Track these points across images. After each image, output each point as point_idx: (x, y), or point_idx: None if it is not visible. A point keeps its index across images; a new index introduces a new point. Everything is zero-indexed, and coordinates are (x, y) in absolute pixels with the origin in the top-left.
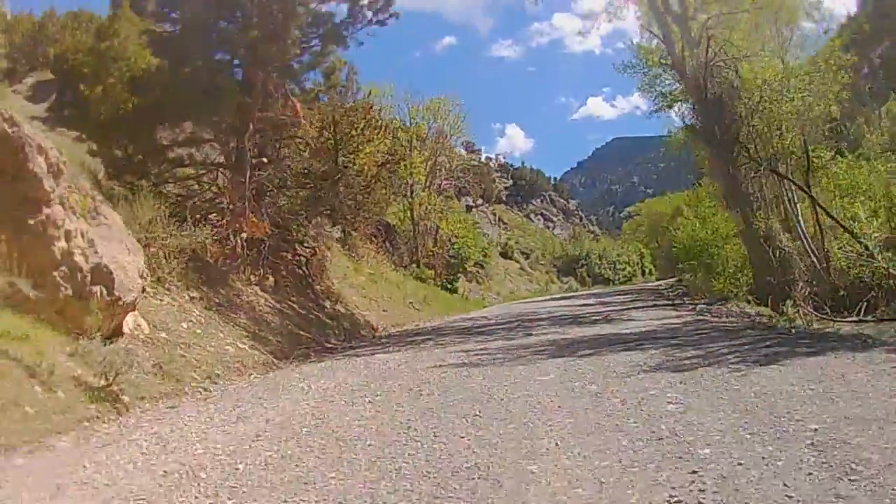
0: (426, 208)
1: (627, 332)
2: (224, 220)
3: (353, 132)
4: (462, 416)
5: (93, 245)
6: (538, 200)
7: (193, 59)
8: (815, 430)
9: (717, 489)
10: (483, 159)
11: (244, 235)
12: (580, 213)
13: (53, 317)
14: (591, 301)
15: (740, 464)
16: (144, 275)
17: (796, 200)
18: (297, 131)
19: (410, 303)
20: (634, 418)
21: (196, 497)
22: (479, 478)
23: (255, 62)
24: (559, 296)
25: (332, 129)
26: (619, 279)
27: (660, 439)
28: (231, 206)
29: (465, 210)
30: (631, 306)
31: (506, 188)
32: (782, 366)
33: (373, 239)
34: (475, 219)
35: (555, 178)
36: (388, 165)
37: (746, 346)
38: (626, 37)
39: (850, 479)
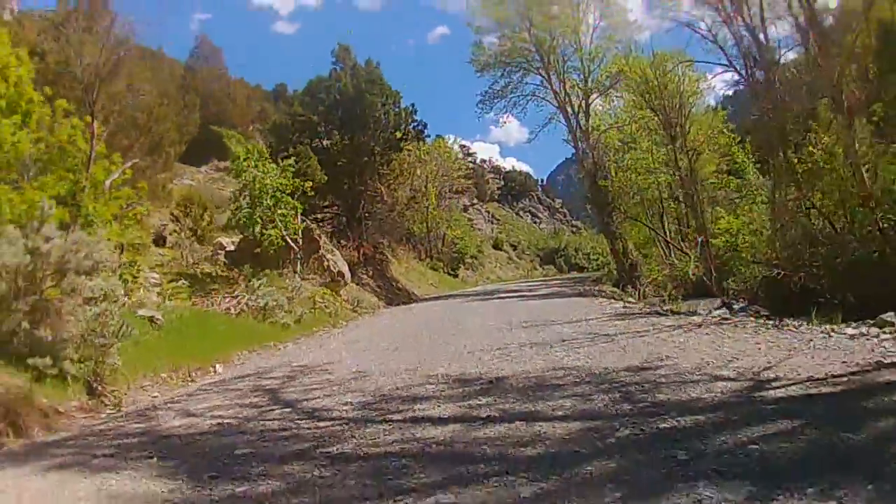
0: (436, 221)
1: (530, 294)
2: (352, 245)
3: (391, 176)
4: (461, 308)
5: (336, 262)
6: (527, 199)
7: (336, 175)
8: (527, 314)
9: (507, 318)
10: (478, 161)
11: (362, 251)
12: (564, 210)
13: (326, 288)
14: (539, 283)
15: (518, 311)
16: (348, 272)
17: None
18: (379, 199)
19: (431, 283)
20: (501, 309)
21: (387, 329)
22: (452, 324)
23: (363, 170)
24: (533, 280)
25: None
26: (591, 267)
27: (501, 310)
28: (353, 238)
29: (462, 209)
30: (555, 287)
31: (498, 188)
32: (559, 298)
33: (403, 244)
34: (471, 216)
35: (542, 180)
36: (414, 199)
37: (558, 296)
38: None
39: (517, 320)
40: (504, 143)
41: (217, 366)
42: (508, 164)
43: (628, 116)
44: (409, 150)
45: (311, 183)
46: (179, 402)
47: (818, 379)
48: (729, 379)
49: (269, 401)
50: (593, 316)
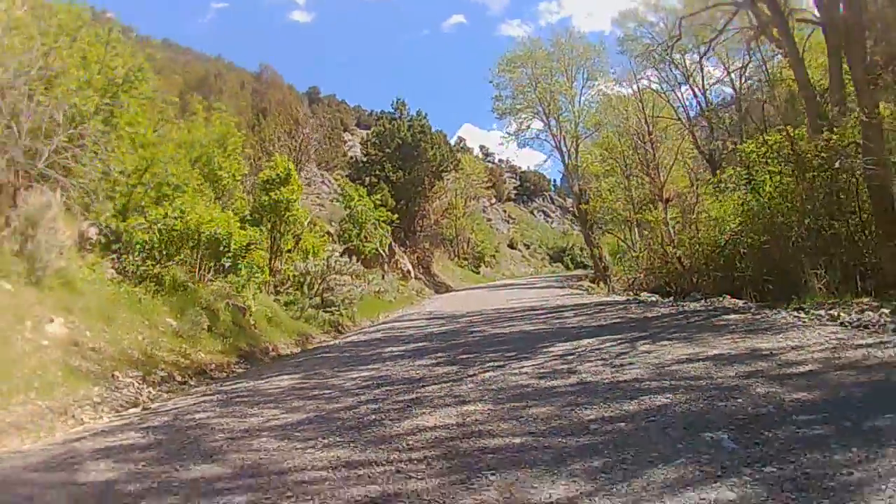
0: (463, 227)
1: (530, 286)
2: (409, 251)
3: (429, 193)
4: (486, 293)
5: (405, 263)
6: (540, 199)
7: (398, 199)
8: (521, 294)
9: (511, 296)
10: (496, 161)
11: (416, 255)
12: (574, 210)
13: (400, 281)
14: (541, 279)
15: (517, 293)
16: (412, 270)
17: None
18: (426, 215)
19: (460, 278)
20: (509, 292)
21: (440, 306)
22: (481, 300)
23: (416, 195)
24: (539, 276)
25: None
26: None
27: (509, 292)
28: (409, 244)
29: (482, 209)
30: (551, 281)
31: (514, 188)
32: (547, 288)
33: (439, 247)
34: (489, 216)
35: (555, 181)
36: (447, 210)
37: (547, 287)
38: None
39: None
40: (521, 134)
41: (380, 316)
42: (524, 156)
43: (606, 151)
44: (448, 178)
45: (396, 216)
46: (392, 322)
47: (577, 303)
48: (557, 304)
49: (434, 315)
50: (555, 295)
